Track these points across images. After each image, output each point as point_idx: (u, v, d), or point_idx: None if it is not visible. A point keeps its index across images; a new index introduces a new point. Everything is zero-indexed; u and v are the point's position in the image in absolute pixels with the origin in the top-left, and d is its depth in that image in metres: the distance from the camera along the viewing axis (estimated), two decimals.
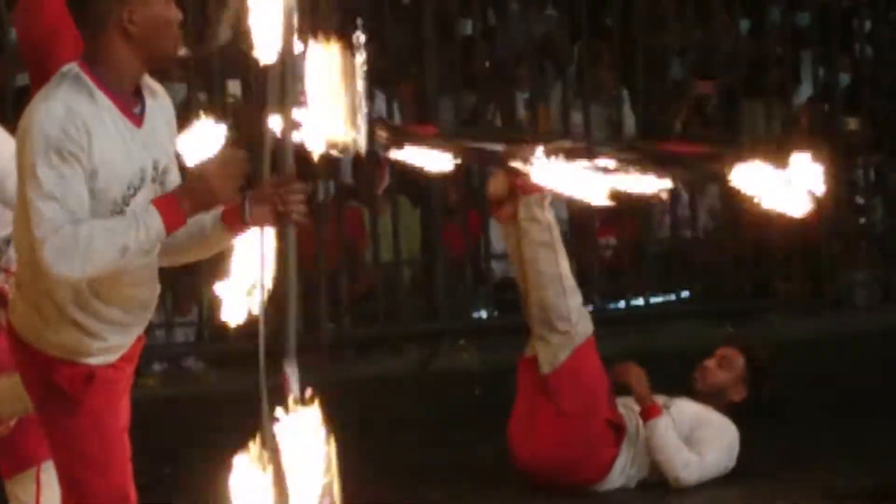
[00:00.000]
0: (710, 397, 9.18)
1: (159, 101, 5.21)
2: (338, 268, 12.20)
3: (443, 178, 11.65)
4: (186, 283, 11.69)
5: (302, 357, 5.17)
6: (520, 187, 9.09)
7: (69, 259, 4.86)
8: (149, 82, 5.20)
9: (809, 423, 9.84)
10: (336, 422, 5.18)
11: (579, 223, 12.47)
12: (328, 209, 12.36)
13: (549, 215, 9.17)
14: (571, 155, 6.37)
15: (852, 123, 14.28)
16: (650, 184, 6.23)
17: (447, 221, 12.96)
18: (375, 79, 12.29)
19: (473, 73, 13.47)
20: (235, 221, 4.99)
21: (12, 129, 5.87)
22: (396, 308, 12.72)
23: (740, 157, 6.22)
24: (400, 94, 12.70)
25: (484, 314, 12.91)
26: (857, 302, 13.61)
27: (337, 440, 5.20)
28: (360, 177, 13.16)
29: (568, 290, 9.25)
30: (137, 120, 5.07)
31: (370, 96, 12.19)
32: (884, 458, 9.24)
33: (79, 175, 4.92)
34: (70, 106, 4.93)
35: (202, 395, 9.60)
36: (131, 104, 5.06)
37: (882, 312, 13.39)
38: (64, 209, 4.88)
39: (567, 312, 9.20)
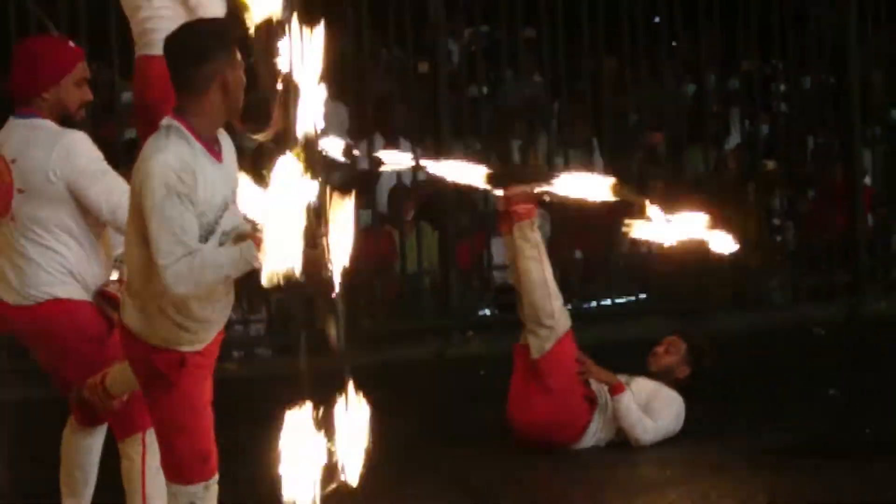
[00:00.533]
0: (660, 375, 9.21)
1: (227, 142, 5.40)
2: (374, 276, 12.33)
3: (455, 208, 12.35)
4: (257, 289, 11.43)
5: (347, 346, 5.34)
6: (515, 214, 9.15)
7: (185, 283, 5.04)
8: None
9: (739, 395, 9.88)
10: (372, 397, 5.25)
11: (558, 241, 12.40)
12: (369, 232, 12.20)
13: (537, 236, 9.20)
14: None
15: (770, 165, 14.55)
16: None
17: (458, 241, 12.94)
18: (401, 129, 13.12)
19: (479, 124, 13.72)
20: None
21: (122, 173, 6.13)
22: (419, 308, 12.86)
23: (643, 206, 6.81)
24: (422, 140, 12.83)
25: (487, 312, 12.99)
26: (774, 301, 13.84)
27: (373, 411, 5.26)
28: (393, 207, 13.21)
29: (552, 294, 9.23)
30: (219, 157, 5.23)
31: (396, 143, 12.28)
32: (798, 421, 9.43)
33: (190, 212, 5.07)
34: (180, 157, 5.09)
35: (271, 377, 9.37)
36: (214, 145, 5.23)
37: (793, 310, 13.52)
38: (181, 243, 5.06)
39: (552, 311, 9.19)
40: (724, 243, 6.81)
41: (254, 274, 5.10)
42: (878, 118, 14.63)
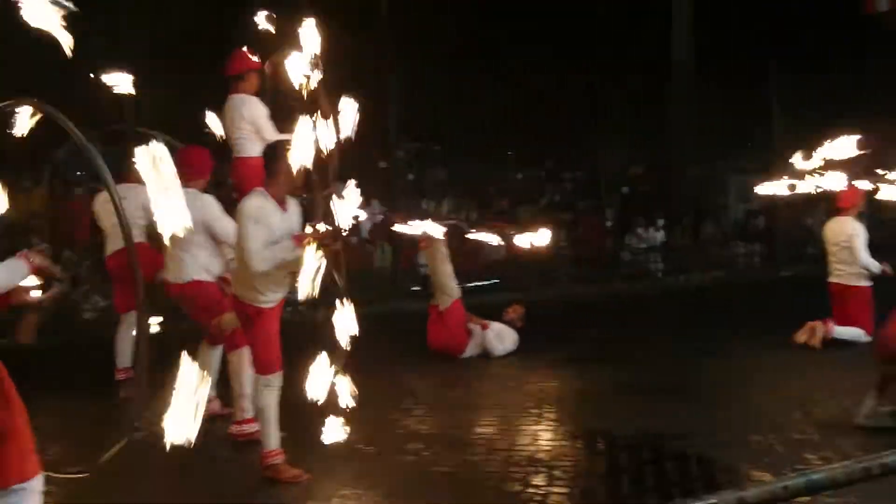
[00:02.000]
0: (509, 323, 9.36)
1: (292, 202, 5.48)
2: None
3: (399, 236, 11.32)
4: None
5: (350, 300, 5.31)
6: (423, 242, 9.13)
7: (261, 264, 5.11)
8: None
9: (543, 335, 9.80)
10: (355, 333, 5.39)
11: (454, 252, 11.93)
12: (356, 246, 12.97)
13: (443, 248, 8.97)
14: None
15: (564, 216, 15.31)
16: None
17: (402, 252, 13.38)
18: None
19: (411, 196, 14.14)
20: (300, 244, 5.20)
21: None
22: (384, 284, 13.17)
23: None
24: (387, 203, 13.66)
25: (417, 288, 13.17)
26: (561, 283, 14.11)
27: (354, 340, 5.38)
28: (371, 235, 13.82)
29: (449, 278, 9.13)
30: (284, 208, 5.45)
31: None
32: (571, 350, 9.64)
33: (263, 230, 5.22)
34: (259, 204, 5.27)
35: (307, 323, 8.35)
36: (283, 202, 5.41)
37: (572, 289, 13.86)
38: (258, 244, 5.17)
39: (450, 287, 9.14)
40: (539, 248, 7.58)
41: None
42: (610, 192, 15.66)
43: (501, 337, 9.19)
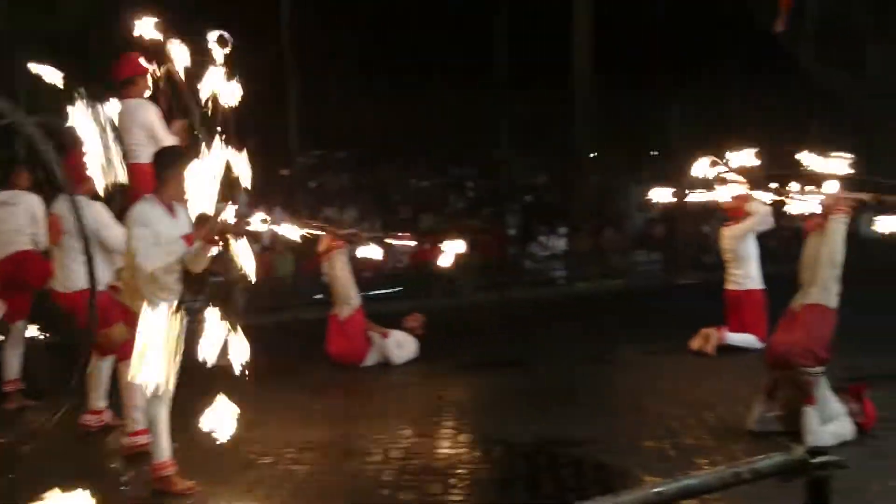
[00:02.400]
0: (408, 331, 9.41)
1: (181, 208, 5.42)
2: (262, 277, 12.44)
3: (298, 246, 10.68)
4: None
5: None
6: (328, 250, 9.10)
7: (148, 264, 5.06)
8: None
9: (446, 343, 10.04)
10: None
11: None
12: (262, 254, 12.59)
13: (343, 256, 9.07)
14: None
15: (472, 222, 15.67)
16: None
17: (303, 262, 13.39)
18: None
19: (314, 204, 13.98)
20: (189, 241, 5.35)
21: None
22: (284, 291, 13.31)
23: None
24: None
25: (319, 296, 12.82)
26: (464, 292, 14.17)
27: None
28: (276, 242, 13.56)
29: (351, 287, 9.22)
30: (173, 215, 5.49)
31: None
32: (475, 352, 10.10)
33: (150, 233, 5.24)
34: (148, 210, 5.33)
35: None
36: (172, 209, 5.45)
37: (474, 297, 14.05)
38: (145, 245, 5.21)
39: (350, 296, 9.20)
40: (445, 261, 7.69)
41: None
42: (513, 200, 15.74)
43: (401, 345, 9.25)
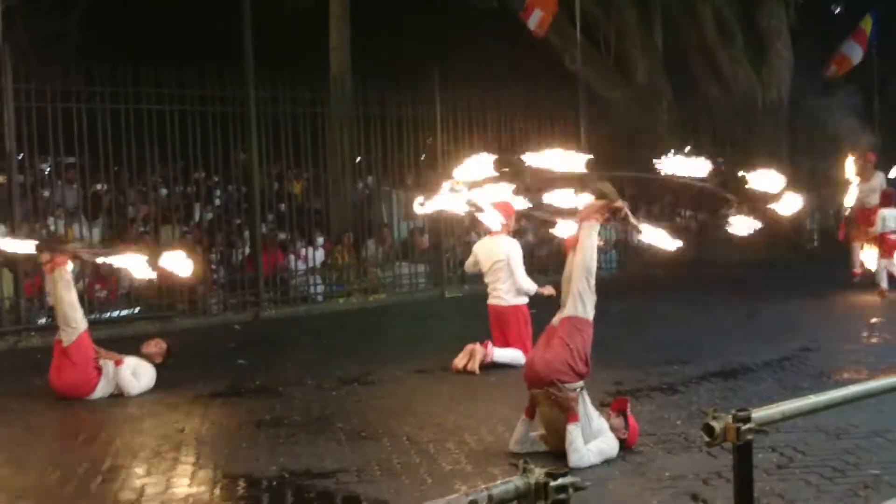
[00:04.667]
0: (147, 357, 9.08)
1: None
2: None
3: None
4: None
5: None
6: (53, 264, 8.70)
7: None
8: None
9: (196, 363, 10.13)
10: None
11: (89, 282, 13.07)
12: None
13: (66, 274, 8.60)
14: None
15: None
16: None
17: (26, 279, 12.66)
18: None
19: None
20: None
21: None
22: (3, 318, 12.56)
23: None
24: None
25: (44, 320, 12.34)
26: (213, 311, 14.05)
27: None
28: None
29: (74, 308, 8.63)
30: None
31: None
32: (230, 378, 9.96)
33: None
34: None
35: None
36: None
37: (224, 316, 13.88)
38: None
39: (75, 319, 8.65)
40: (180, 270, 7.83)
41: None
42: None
43: (138, 373, 8.91)
